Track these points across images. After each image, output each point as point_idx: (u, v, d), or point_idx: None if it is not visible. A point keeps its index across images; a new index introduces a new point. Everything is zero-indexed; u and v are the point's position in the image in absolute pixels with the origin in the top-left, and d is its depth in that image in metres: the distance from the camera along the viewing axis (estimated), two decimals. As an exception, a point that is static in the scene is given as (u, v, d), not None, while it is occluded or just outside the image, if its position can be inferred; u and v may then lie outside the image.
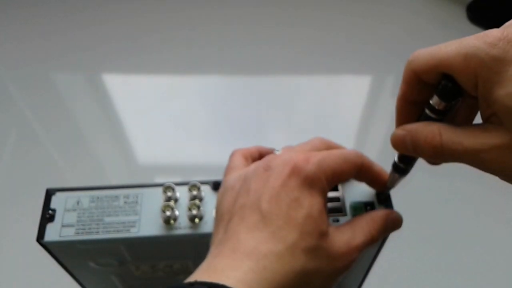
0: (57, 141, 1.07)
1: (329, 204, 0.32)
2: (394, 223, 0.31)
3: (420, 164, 0.30)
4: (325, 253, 0.27)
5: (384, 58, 1.22)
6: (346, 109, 1.14)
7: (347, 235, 0.29)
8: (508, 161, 0.22)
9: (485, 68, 0.22)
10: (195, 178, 0.38)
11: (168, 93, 1.18)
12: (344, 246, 0.28)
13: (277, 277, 0.25)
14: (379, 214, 0.31)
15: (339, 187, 0.36)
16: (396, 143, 0.27)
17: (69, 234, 0.35)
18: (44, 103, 1.14)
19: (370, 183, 0.33)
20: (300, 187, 0.28)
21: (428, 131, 0.25)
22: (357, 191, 0.36)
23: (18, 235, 0.88)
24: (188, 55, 1.25)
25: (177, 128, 1.09)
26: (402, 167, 0.30)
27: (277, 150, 0.35)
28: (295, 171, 0.28)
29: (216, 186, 0.38)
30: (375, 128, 1.07)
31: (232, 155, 0.35)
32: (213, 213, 0.36)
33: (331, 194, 0.35)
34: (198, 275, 0.26)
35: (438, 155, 0.25)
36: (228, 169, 0.34)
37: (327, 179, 0.29)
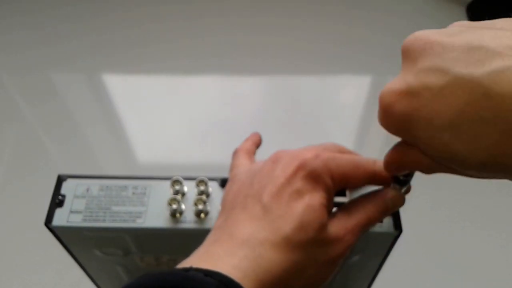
0: (58, 141, 1.07)
1: (336, 209, 0.32)
2: (394, 201, 0.30)
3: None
4: (321, 243, 0.27)
5: (384, 58, 1.22)
6: (346, 109, 1.14)
7: (342, 220, 0.28)
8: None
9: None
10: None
11: (168, 93, 1.17)
12: (338, 231, 0.27)
13: (272, 265, 0.25)
14: (376, 194, 0.30)
15: (347, 193, 0.36)
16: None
17: (77, 220, 0.35)
18: (45, 103, 1.13)
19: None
20: (304, 180, 0.27)
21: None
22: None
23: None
24: (188, 56, 1.25)
25: (177, 128, 1.09)
26: (402, 178, 0.30)
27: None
28: (301, 165, 0.28)
29: (224, 183, 0.38)
30: (375, 128, 1.08)
31: (235, 154, 0.35)
32: (219, 209, 0.36)
33: (338, 199, 0.35)
34: (194, 261, 0.26)
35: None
36: (233, 166, 0.34)
37: (332, 177, 0.28)
